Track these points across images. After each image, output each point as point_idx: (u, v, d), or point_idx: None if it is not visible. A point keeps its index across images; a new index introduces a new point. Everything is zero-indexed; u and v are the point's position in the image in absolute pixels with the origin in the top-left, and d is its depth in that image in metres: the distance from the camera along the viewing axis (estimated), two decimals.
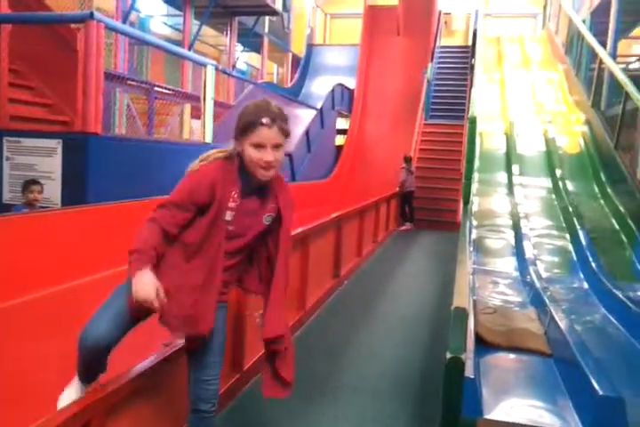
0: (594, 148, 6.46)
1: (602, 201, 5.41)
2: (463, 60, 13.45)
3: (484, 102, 7.84)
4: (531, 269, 4.03)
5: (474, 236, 4.73)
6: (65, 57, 5.70)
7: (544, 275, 3.99)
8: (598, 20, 9.41)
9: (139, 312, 1.70)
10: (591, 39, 7.66)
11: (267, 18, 14.03)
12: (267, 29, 14.47)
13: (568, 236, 4.71)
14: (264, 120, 1.73)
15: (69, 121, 5.77)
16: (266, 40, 14.51)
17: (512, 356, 2.66)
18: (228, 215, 1.78)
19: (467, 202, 5.34)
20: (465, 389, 1.89)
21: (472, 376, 1.94)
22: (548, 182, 6.01)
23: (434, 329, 4.08)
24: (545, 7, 14.13)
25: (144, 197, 3.73)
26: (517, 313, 3.24)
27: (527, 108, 8.23)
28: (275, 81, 17.94)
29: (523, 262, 4.25)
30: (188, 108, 8.01)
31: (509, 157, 6.66)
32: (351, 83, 13.81)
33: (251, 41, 14.14)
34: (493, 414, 2.05)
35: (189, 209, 1.75)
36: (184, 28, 11.10)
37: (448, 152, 11.01)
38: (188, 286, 1.74)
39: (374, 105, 13.55)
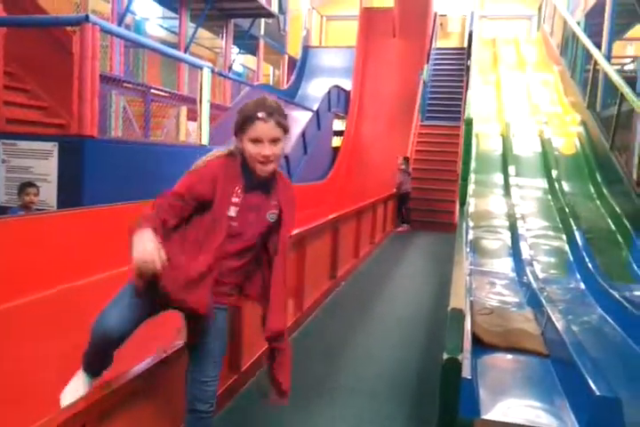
0: (589, 149, 6.48)
1: (598, 202, 5.43)
2: (459, 62, 13.47)
3: (479, 104, 7.86)
4: (527, 269, 4.04)
5: (470, 237, 4.73)
6: (60, 60, 5.70)
7: (541, 275, 3.99)
8: (593, 22, 9.45)
9: (143, 288, 1.63)
10: (586, 41, 7.69)
11: (262, 20, 14.03)
12: (263, 31, 14.48)
13: (564, 236, 4.73)
14: (260, 114, 1.75)
15: (65, 124, 5.77)
16: (262, 42, 14.53)
17: (509, 356, 2.66)
18: (232, 211, 1.78)
19: (463, 203, 5.35)
20: (462, 389, 1.90)
21: (469, 377, 1.94)
22: (544, 183, 6.03)
23: (431, 330, 4.07)
24: (540, 9, 14.20)
25: (140, 200, 3.72)
26: (514, 314, 3.24)
27: (523, 110, 8.26)
28: (271, 83, 17.97)
29: (519, 263, 4.26)
30: (184, 110, 8.01)
31: (505, 159, 6.68)
32: (347, 84, 13.84)
33: (247, 43, 14.16)
34: (491, 415, 2.05)
35: (188, 202, 1.76)
36: (180, 31, 11.11)
37: (444, 153, 11.01)
38: (187, 272, 1.70)
39: (370, 106, 13.56)
